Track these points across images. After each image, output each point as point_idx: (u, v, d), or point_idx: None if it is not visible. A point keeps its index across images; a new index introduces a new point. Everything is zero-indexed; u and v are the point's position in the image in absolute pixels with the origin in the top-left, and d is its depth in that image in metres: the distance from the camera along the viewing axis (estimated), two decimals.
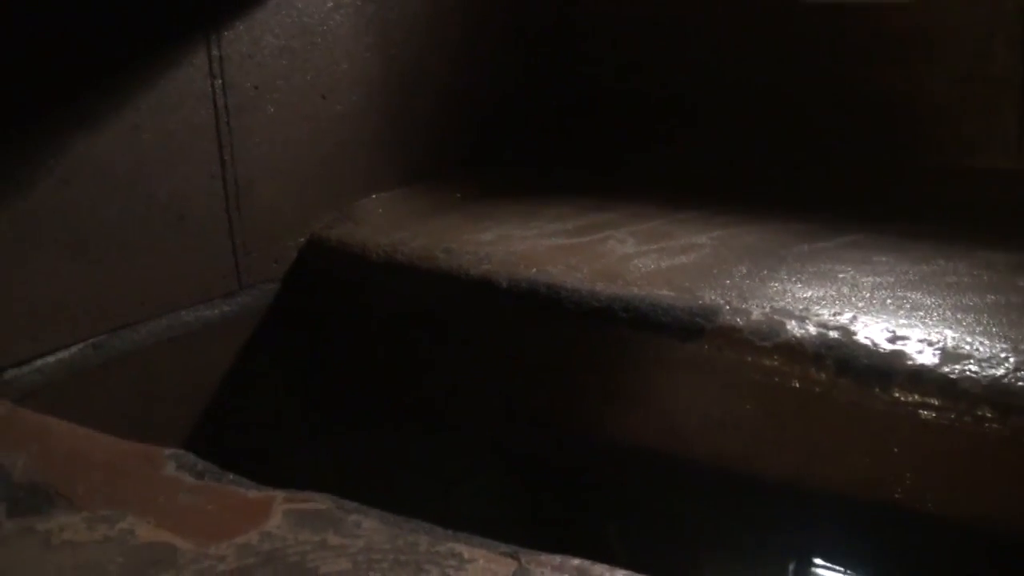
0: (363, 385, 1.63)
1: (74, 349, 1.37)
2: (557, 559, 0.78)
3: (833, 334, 1.21)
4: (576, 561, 0.78)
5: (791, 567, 1.32)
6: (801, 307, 1.27)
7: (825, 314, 1.25)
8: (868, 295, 1.30)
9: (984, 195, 1.75)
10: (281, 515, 0.85)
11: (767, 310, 1.27)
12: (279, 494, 0.89)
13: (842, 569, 1.32)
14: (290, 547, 0.80)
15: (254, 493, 0.90)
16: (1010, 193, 1.73)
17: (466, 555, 0.78)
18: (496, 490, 1.46)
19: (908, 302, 1.28)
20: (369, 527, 0.83)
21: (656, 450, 1.33)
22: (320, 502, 0.87)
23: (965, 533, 1.14)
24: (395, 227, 1.64)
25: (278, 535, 0.82)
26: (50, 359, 1.34)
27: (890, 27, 1.82)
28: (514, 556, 0.78)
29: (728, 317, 1.27)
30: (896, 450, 1.16)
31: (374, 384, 1.62)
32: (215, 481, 0.93)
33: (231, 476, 0.94)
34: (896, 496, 1.18)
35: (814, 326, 1.22)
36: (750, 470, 1.27)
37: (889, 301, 1.28)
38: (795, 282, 1.35)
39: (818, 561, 1.33)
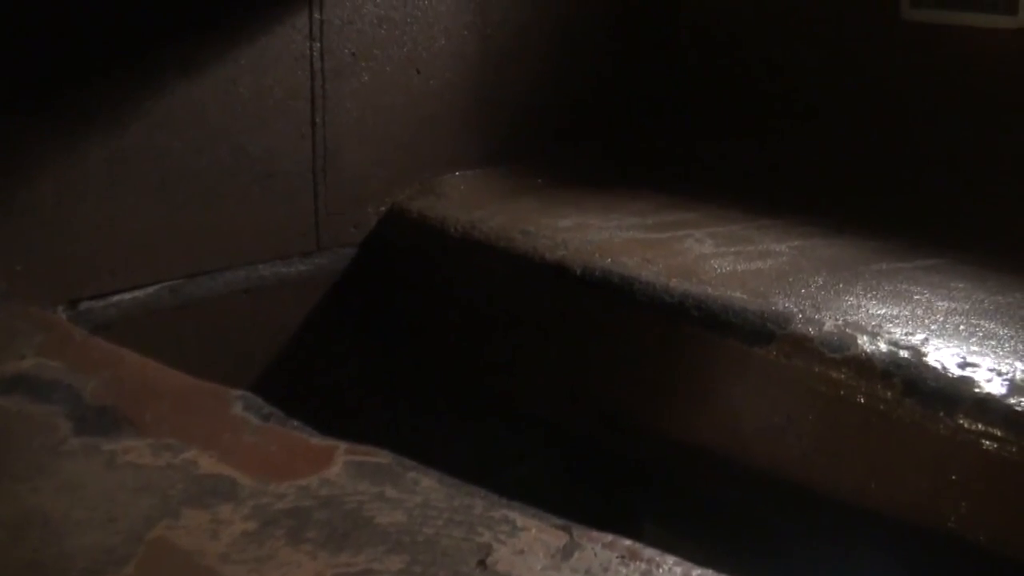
0: (429, 358, 1.65)
1: (151, 289, 1.40)
2: (609, 537, 0.78)
3: (904, 353, 1.19)
4: (627, 542, 0.78)
5: None
6: (874, 323, 1.26)
7: (897, 333, 1.23)
8: (942, 319, 1.29)
9: None
10: (342, 464, 0.87)
11: (840, 323, 1.26)
12: (341, 444, 0.90)
13: None
14: (348, 495, 0.82)
15: (317, 440, 0.91)
16: None
17: (519, 523, 0.79)
18: (551, 475, 1.47)
19: (981, 330, 1.26)
20: (427, 485, 0.84)
21: (714, 450, 1.33)
22: (381, 457, 0.88)
23: (1017, 570, 1.12)
24: (475, 205, 1.65)
25: (337, 482, 0.84)
26: (126, 296, 1.38)
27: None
28: (565, 529, 0.79)
29: (800, 325, 1.26)
30: (954, 477, 1.14)
31: (440, 358, 1.64)
32: (280, 425, 0.95)
33: (295, 423, 0.96)
34: (949, 524, 1.16)
35: (885, 343, 1.21)
36: (806, 480, 1.26)
37: (962, 327, 1.26)
38: (870, 298, 1.34)
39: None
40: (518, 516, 0.80)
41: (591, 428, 1.49)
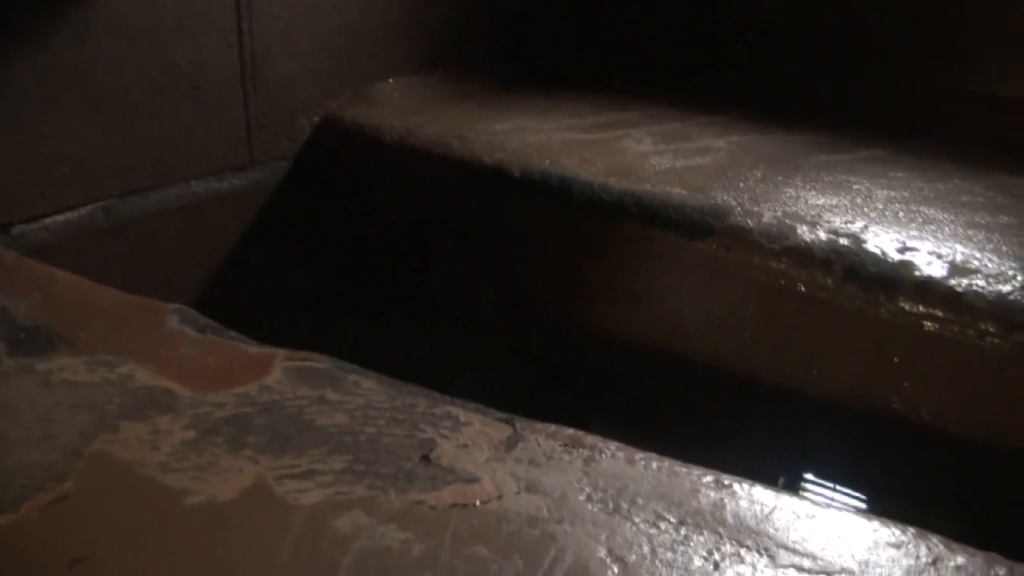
0: (369, 267, 1.63)
1: (83, 210, 1.36)
2: (551, 427, 0.79)
3: (843, 241, 1.20)
4: (569, 431, 0.78)
5: (781, 467, 1.33)
6: (813, 213, 1.26)
7: (837, 221, 1.24)
8: (881, 207, 1.29)
9: (1007, 123, 1.73)
10: (281, 371, 0.86)
11: (779, 214, 1.26)
12: (280, 352, 0.89)
13: (830, 482, 1.34)
14: (288, 400, 0.81)
15: (255, 349, 0.90)
16: None
17: (462, 418, 0.79)
18: (493, 380, 1.47)
19: (920, 216, 1.27)
20: (368, 387, 0.84)
21: (657, 346, 1.34)
22: (320, 361, 0.88)
23: (960, 445, 1.15)
24: (411, 112, 1.62)
25: (277, 388, 0.83)
26: (59, 218, 1.34)
27: None
28: (508, 422, 0.79)
29: (738, 218, 1.26)
30: (896, 359, 1.16)
31: (380, 267, 1.62)
32: (217, 336, 0.93)
33: (233, 333, 0.95)
34: (893, 405, 1.18)
35: (825, 232, 1.22)
36: (749, 370, 1.27)
37: (901, 214, 1.27)
38: (809, 190, 1.34)
39: (810, 468, 1.35)
40: (461, 412, 0.80)
41: (534, 333, 1.49)
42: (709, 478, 0.74)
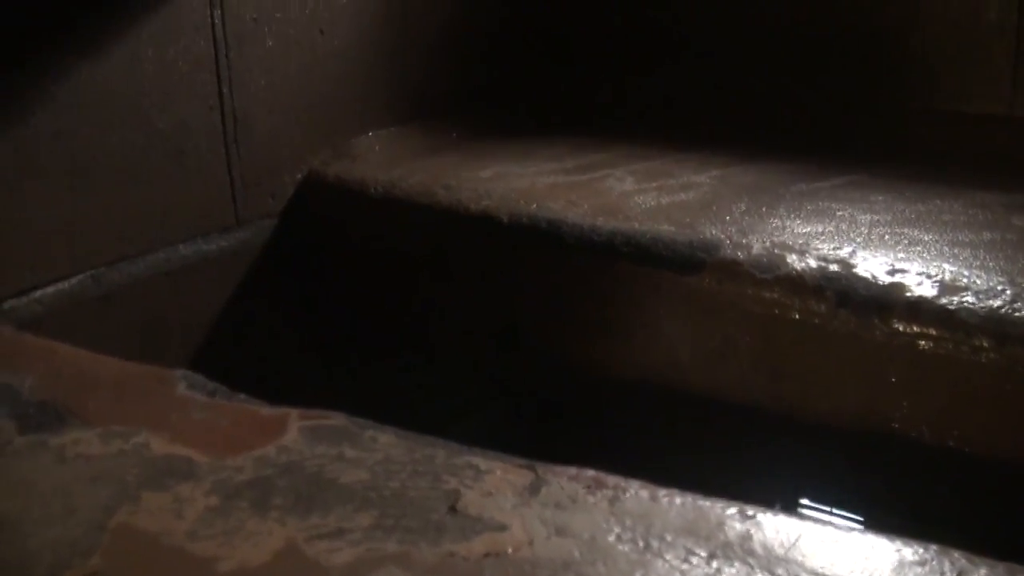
0: (362, 322, 1.64)
1: (74, 280, 1.36)
2: (573, 470, 0.79)
3: (833, 267, 1.22)
4: (591, 472, 0.79)
5: (783, 497, 1.34)
6: (801, 242, 1.28)
7: (824, 248, 1.26)
8: (866, 231, 1.32)
9: (977, 139, 1.76)
10: (297, 431, 0.86)
11: (767, 244, 1.28)
12: (293, 411, 0.89)
13: (831, 507, 1.35)
14: (307, 459, 0.81)
15: (268, 410, 0.90)
16: (1002, 138, 1.74)
17: (483, 467, 0.80)
18: (496, 424, 1.47)
19: (905, 238, 1.29)
20: (385, 442, 0.84)
21: (655, 381, 1.35)
22: (335, 419, 0.88)
23: (961, 462, 1.16)
24: (393, 164, 1.64)
25: (295, 448, 0.83)
26: (50, 290, 1.34)
27: None
28: (530, 467, 0.79)
29: (729, 251, 1.28)
30: (894, 380, 1.18)
31: (373, 321, 1.63)
32: (226, 399, 0.94)
33: (242, 396, 0.95)
34: (893, 426, 1.20)
35: (814, 259, 1.24)
36: (747, 400, 1.28)
37: (887, 237, 1.30)
38: (794, 219, 1.36)
39: (811, 493, 1.36)
40: (480, 460, 0.81)
41: (531, 374, 1.50)
42: (733, 510, 0.74)
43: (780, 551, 0.70)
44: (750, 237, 1.30)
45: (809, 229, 1.32)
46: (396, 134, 1.78)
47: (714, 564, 0.69)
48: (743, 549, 0.70)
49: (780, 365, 1.25)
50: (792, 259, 1.24)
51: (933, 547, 0.72)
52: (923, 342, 1.15)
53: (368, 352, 1.62)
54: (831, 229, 1.33)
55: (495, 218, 1.43)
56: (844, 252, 1.24)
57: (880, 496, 1.27)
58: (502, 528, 0.71)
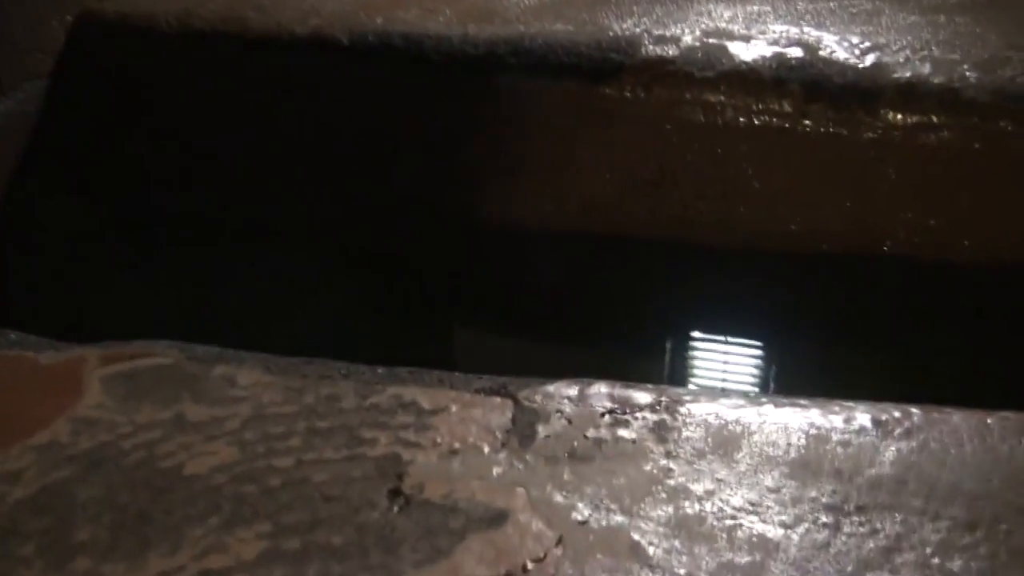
0: (172, 197, 1.26)
1: None
2: (564, 385, 0.49)
3: (793, 52, 0.94)
4: (602, 386, 0.49)
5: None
6: (740, 25, 0.99)
7: (775, 30, 0.97)
8: (812, 5, 1.03)
9: None
10: (99, 385, 0.52)
11: (698, 33, 0.98)
12: (92, 352, 0.55)
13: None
14: (125, 437, 0.48)
15: (51, 356, 0.55)
16: None
17: (426, 403, 0.48)
18: (365, 305, 1.15)
19: (864, 8, 1.02)
20: (249, 381, 0.51)
21: (570, 228, 1.05)
22: (161, 355, 0.54)
23: (975, 280, 0.92)
24: None
25: (101, 418, 0.49)
26: None
27: None
28: (502, 392, 0.48)
29: (651, 47, 0.97)
30: (888, 186, 0.91)
31: (186, 194, 1.25)
32: None
33: (12, 335, 0.59)
34: (885, 248, 0.94)
35: (766, 45, 0.95)
36: (694, 237, 1.00)
37: (841, 8, 1.02)
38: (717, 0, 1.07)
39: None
40: (418, 391, 0.49)
41: (400, 238, 1.18)
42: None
43: None
44: (673, 27, 0.99)
45: (742, 9, 1.03)
46: None
47: None
48: None
49: (735, 186, 0.97)
50: (736, 48, 0.95)
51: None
52: (925, 133, 0.88)
53: (184, 237, 1.25)
54: (767, 8, 1.03)
55: (330, 40, 1.07)
56: (801, 32, 0.96)
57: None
58: (496, 518, 0.40)
